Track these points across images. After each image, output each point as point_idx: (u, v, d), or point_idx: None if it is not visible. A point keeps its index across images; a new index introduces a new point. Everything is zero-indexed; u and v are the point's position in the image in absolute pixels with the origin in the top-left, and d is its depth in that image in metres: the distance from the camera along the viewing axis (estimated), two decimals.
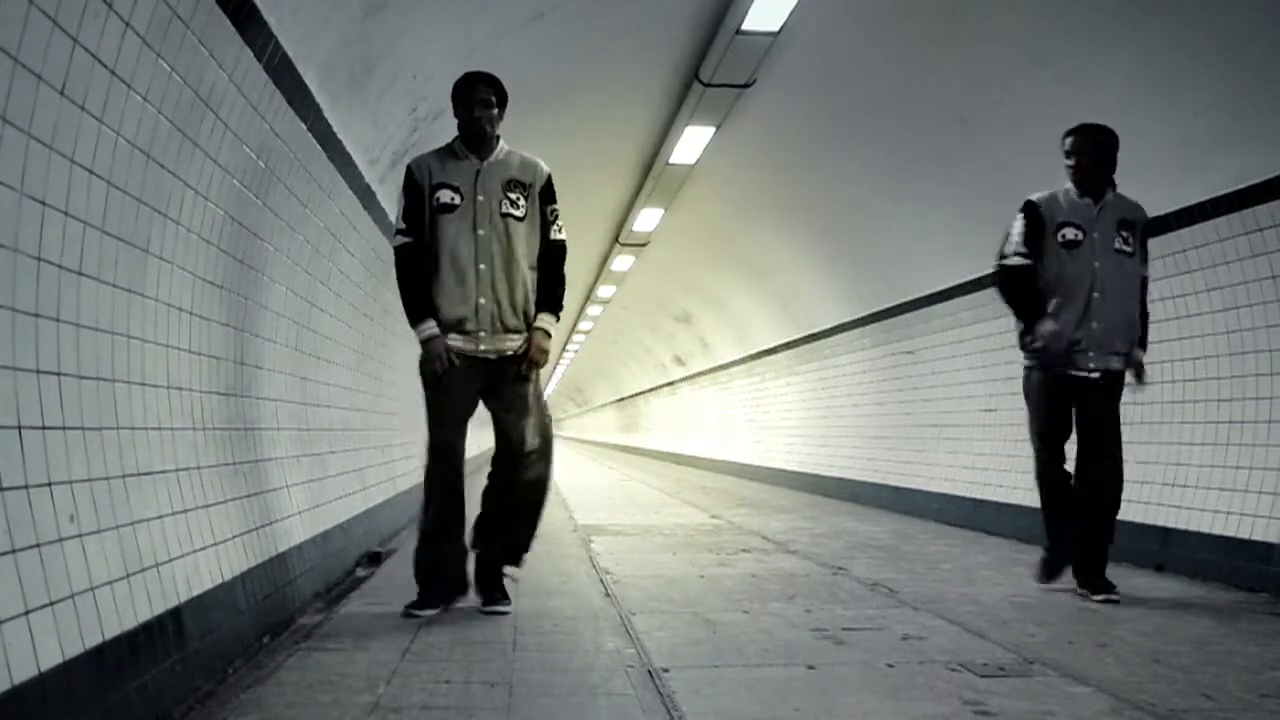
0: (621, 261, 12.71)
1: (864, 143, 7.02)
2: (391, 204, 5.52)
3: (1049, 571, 4.18)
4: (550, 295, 3.59)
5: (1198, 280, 4.71)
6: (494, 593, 3.57)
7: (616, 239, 11.52)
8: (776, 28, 5.43)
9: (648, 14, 5.62)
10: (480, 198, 3.47)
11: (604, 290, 15.36)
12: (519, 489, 3.62)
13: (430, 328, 3.45)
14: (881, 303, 8.72)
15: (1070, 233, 3.96)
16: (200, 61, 2.55)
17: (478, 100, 3.48)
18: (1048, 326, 3.92)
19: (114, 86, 2.11)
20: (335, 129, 4.09)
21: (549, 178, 3.60)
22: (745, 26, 5.42)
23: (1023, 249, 4.00)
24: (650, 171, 8.67)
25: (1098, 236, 3.96)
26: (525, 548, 3.72)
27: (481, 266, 3.44)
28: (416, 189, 3.50)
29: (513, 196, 3.50)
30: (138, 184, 2.31)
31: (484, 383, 3.54)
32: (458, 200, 3.46)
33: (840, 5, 5.41)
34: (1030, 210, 4.02)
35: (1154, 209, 4.85)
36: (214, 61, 2.64)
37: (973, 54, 5.35)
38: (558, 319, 3.62)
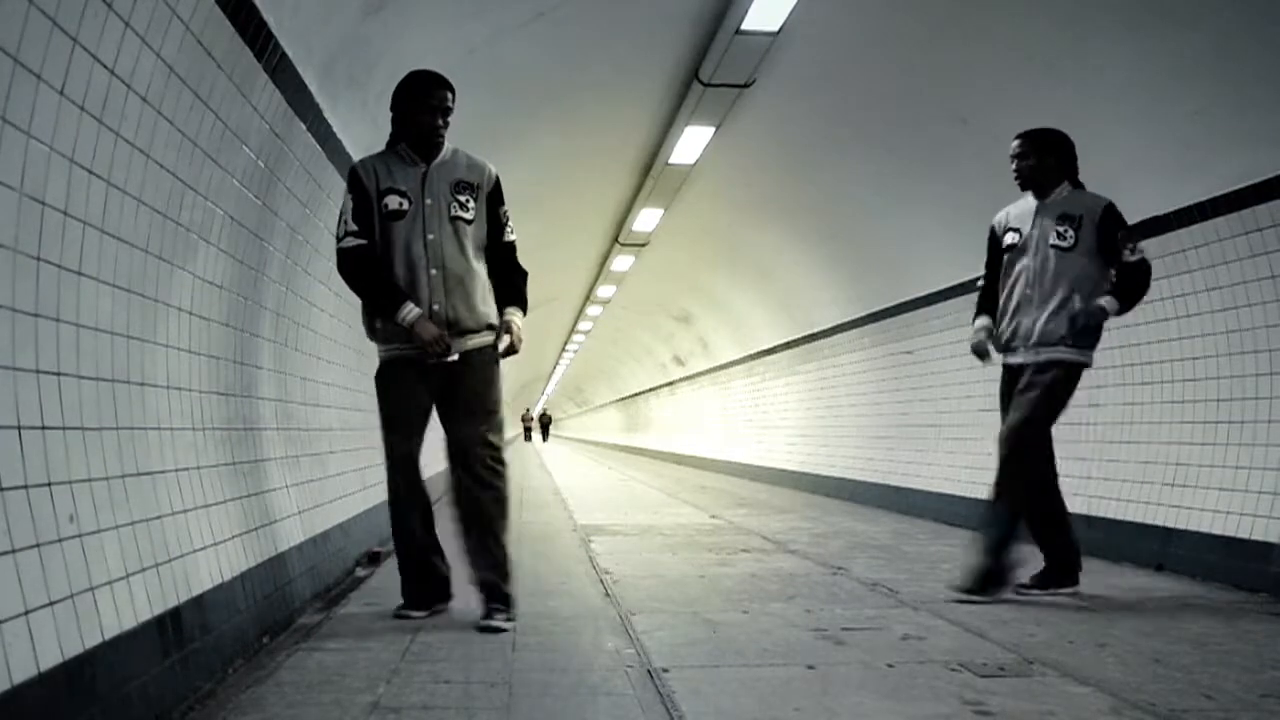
0: (621, 261, 12.71)
1: (864, 143, 7.02)
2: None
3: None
4: (515, 292, 3.52)
5: (1197, 280, 4.71)
6: (490, 606, 3.35)
7: (616, 239, 11.52)
8: (776, 28, 5.43)
9: (647, 14, 5.62)
10: (428, 201, 3.33)
11: (604, 290, 15.35)
12: (470, 500, 3.40)
13: (414, 309, 3.27)
14: (881, 303, 8.73)
15: (1010, 238, 4.11)
16: (200, 61, 2.55)
17: (443, 107, 3.34)
18: (977, 323, 4.21)
19: (114, 86, 2.11)
20: (335, 129, 4.09)
21: (498, 180, 3.48)
22: (745, 26, 5.42)
23: (984, 271, 4.28)
24: (650, 171, 8.67)
25: (1035, 234, 4.01)
26: (496, 580, 3.37)
27: (433, 271, 3.31)
28: (364, 191, 3.33)
29: (462, 199, 3.37)
30: (137, 184, 2.31)
31: (438, 387, 3.42)
32: (406, 205, 3.31)
33: (840, 5, 5.41)
34: (990, 232, 4.25)
35: (1154, 209, 4.86)
36: (213, 61, 2.64)
37: (973, 54, 5.35)
38: (524, 313, 3.53)
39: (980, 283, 4.30)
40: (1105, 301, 3.89)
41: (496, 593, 3.36)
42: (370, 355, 5.54)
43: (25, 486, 1.79)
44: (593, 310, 17.91)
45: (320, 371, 4.43)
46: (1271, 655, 3.01)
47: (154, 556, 2.32)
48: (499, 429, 3.47)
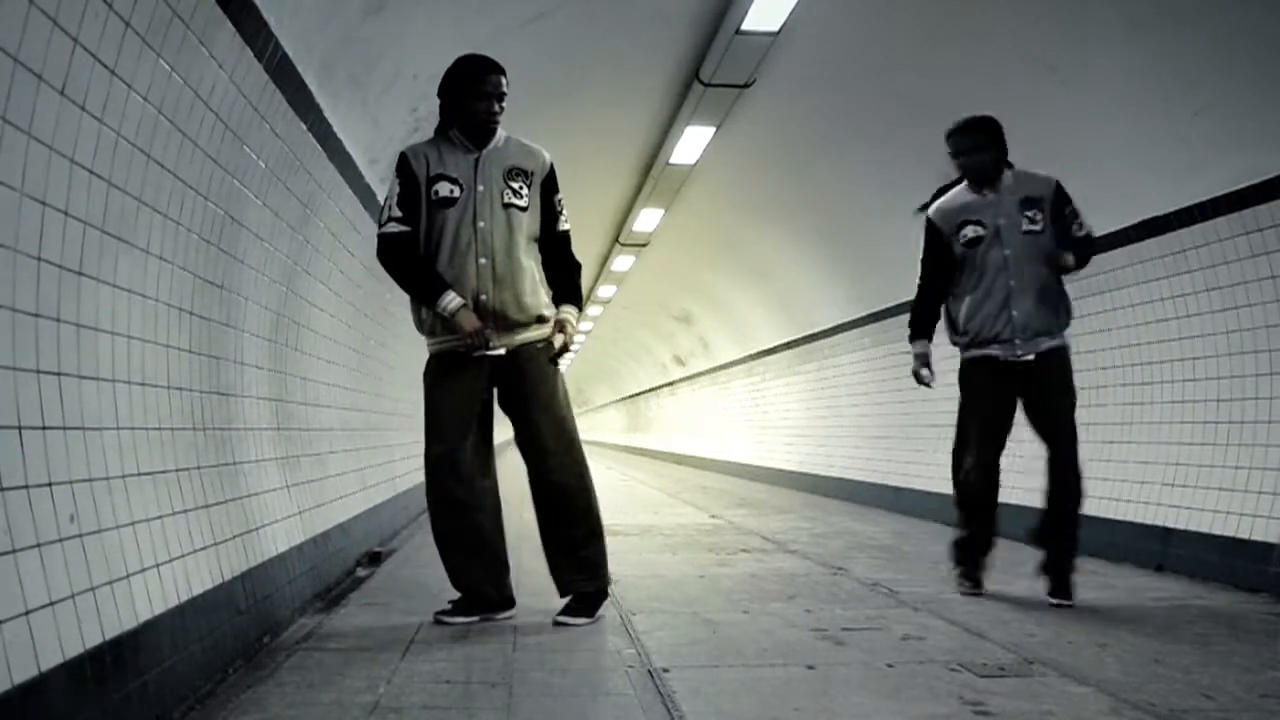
0: (621, 261, 12.72)
1: (864, 142, 7.02)
2: None
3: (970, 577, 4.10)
4: (571, 286, 3.44)
5: (1198, 280, 4.71)
6: (570, 604, 3.39)
7: (616, 239, 11.53)
8: (776, 28, 5.43)
9: (648, 14, 5.62)
10: (480, 188, 3.26)
11: (604, 290, 15.35)
12: (549, 493, 3.40)
13: (455, 298, 3.20)
14: (881, 303, 8.72)
15: (970, 230, 3.96)
16: (200, 61, 2.55)
17: (497, 93, 3.28)
18: (916, 348, 4.17)
19: (114, 86, 2.11)
20: (335, 129, 4.09)
21: (552, 166, 3.42)
22: (745, 26, 5.42)
23: (920, 280, 4.15)
24: (650, 171, 8.67)
25: (1004, 223, 3.91)
26: (595, 575, 3.39)
27: (482, 261, 3.24)
28: (413, 178, 3.27)
29: (515, 186, 3.31)
30: (138, 184, 2.31)
31: (493, 383, 3.37)
32: (457, 193, 3.25)
33: (840, 5, 5.41)
34: (928, 226, 4.08)
35: (1154, 209, 4.87)
36: (214, 61, 2.64)
37: (973, 54, 5.35)
38: (580, 309, 3.46)
39: (916, 292, 4.16)
40: (1070, 259, 3.82)
41: (573, 590, 3.40)
42: (371, 357, 5.56)
43: (26, 487, 1.79)
44: (593, 310, 17.92)
45: (320, 371, 4.43)
46: (1271, 655, 3.01)
47: (155, 556, 2.32)
48: (564, 421, 3.39)
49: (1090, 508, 5.28)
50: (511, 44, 5.27)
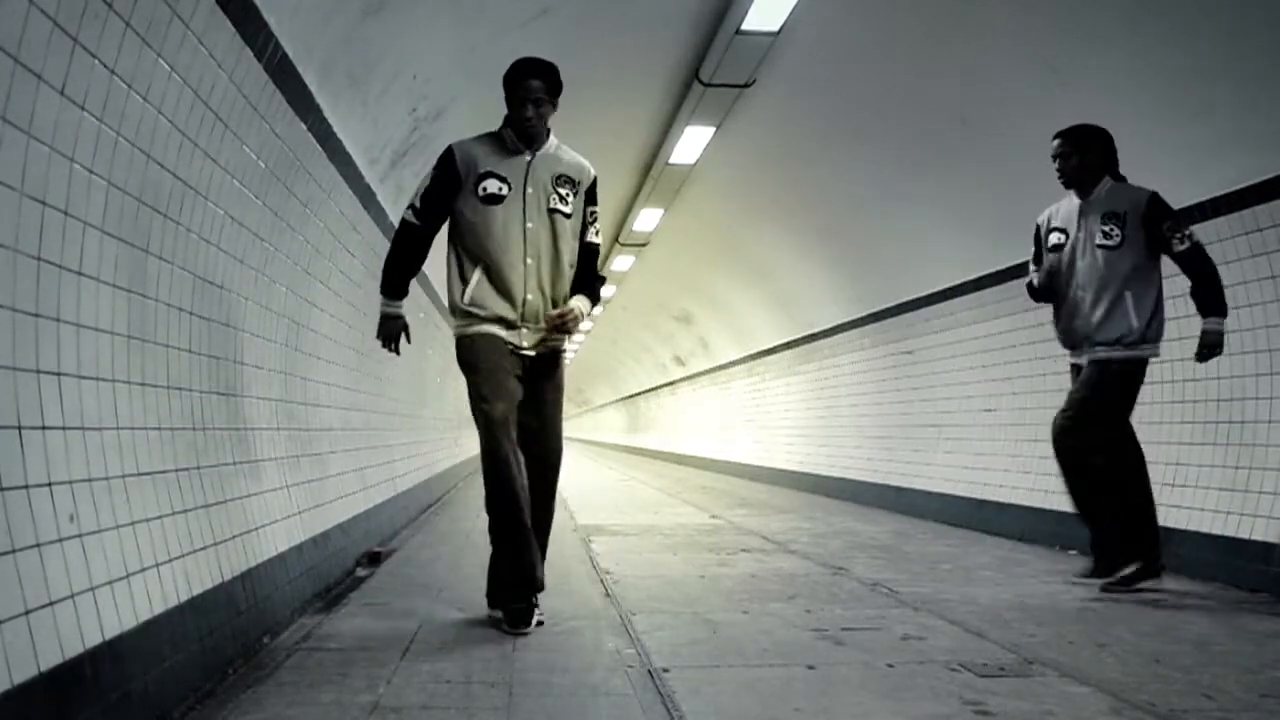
0: (621, 261, 12.73)
1: (864, 143, 7.02)
2: (392, 204, 5.52)
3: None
4: (591, 286, 3.51)
5: None
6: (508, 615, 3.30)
7: (616, 239, 11.54)
8: (776, 27, 5.43)
9: (648, 13, 5.62)
10: (530, 190, 3.31)
11: (604, 290, 15.35)
12: (542, 493, 3.41)
13: (396, 308, 3.44)
14: (881, 303, 8.73)
15: (1055, 237, 4.16)
16: (200, 61, 2.56)
17: (531, 99, 3.27)
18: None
19: (114, 86, 2.12)
20: (335, 129, 4.09)
21: (595, 180, 3.48)
22: (745, 26, 5.43)
23: (1032, 265, 4.32)
24: (650, 171, 8.68)
25: (1081, 235, 4.04)
26: (533, 585, 3.36)
27: (529, 261, 3.29)
28: (453, 176, 3.30)
29: (562, 192, 3.35)
30: (138, 184, 2.31)
31: (524, 378, 3.39)
32: (505, 190, 3.28)
33: (841, 5, 5.41)
34: (1036, 228, 4.30)
35: None
36: (214, 61, 2.64)
37: (974, 54, 5.35)
38: (594, 306, 3.53)
39: (1030, 276, 4.33)
40: (1209, 324, 3.90)
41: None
42: (371, 356, 5.56)
43: (26, 487, 1.79)
44: (594, 310, 17.92)
45: (320, 372, 4.43)
46: (1271, 655, 3.01)
47: (155, 556, 2.32)
48: (561, 429, 3.52)
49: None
50: (511, 44, 5.27)
